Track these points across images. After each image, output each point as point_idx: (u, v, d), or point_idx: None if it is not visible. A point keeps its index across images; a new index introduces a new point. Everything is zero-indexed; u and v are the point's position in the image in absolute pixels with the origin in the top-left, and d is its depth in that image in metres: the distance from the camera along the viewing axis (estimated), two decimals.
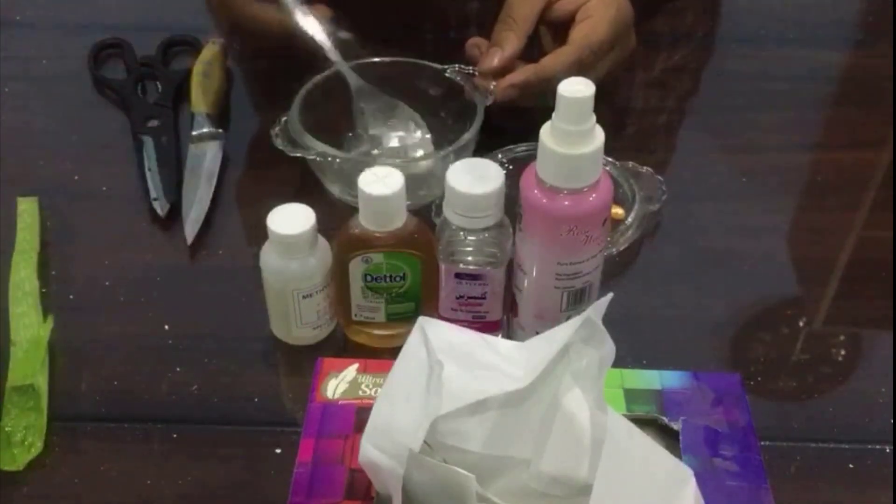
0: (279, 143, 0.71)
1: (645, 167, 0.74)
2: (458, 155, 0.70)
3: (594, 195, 0.56)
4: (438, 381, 0.47)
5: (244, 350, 0.65)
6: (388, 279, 0.61)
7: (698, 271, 0.71)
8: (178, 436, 0.60)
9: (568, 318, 0.49)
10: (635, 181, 0.73)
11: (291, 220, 0.59)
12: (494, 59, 0.74)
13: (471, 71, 0.75)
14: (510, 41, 0.74)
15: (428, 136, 0.77)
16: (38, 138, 0.81)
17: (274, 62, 0.84)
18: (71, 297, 0.68)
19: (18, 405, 0.59)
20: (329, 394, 0.57)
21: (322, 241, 0.61)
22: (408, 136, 0.77)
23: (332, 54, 0.74)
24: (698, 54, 0.92)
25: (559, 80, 0.54)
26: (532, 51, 0.76)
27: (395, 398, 0.49)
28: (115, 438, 0.60)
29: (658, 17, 0.94)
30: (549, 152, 0.54)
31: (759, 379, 0.63)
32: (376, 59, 0.78)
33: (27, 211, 0.72)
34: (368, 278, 0.61)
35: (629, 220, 0.71)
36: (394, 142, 0.77)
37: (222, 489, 0.57)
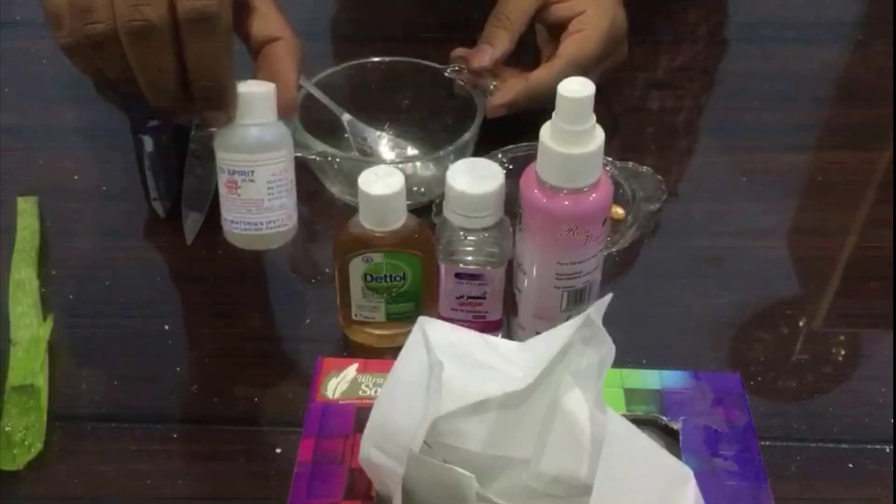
0: None
1: (645, 167, 0.74)
2: (458, 155, 0.71)
3: (594, 195, 0.56)
4: (438, 381, 0.47)
5: (244, 350, 0.65)
6: (388, 279, 0.61)
7: (698, 271, 0.71)
8: (178, 436, 0.60)
9: (568, 318, 0.49)
10: (635, 181, 0.73)
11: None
12: (485, 58, 0.74)
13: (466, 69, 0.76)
14: (501, 39, 0.74)
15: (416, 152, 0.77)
16: (38, 138, 0.81)
17: None
18: (71, 297, 0.68)
19: (18, 405, 0.59)
20: (329, 394, 0.57)
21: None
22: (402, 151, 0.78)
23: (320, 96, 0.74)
24: (700, 55, 0.92)
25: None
26: (524, 49, 0.77)
27: (395, 398, 0.49)
28: (115, 438, 0.60)
29: (660, 17, 0.94)
30: (549, 152, 0.54)
31: (759, 379, 0.63)
32: (376, 59, 0.78)
33: (27, 211, 0.72)
34: (368, 278, 0.61)
35: (629, 220, 0.71)
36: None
37: (222, 489, 0.57)
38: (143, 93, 0.53)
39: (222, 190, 0.57)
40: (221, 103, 0.55)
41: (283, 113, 0.57)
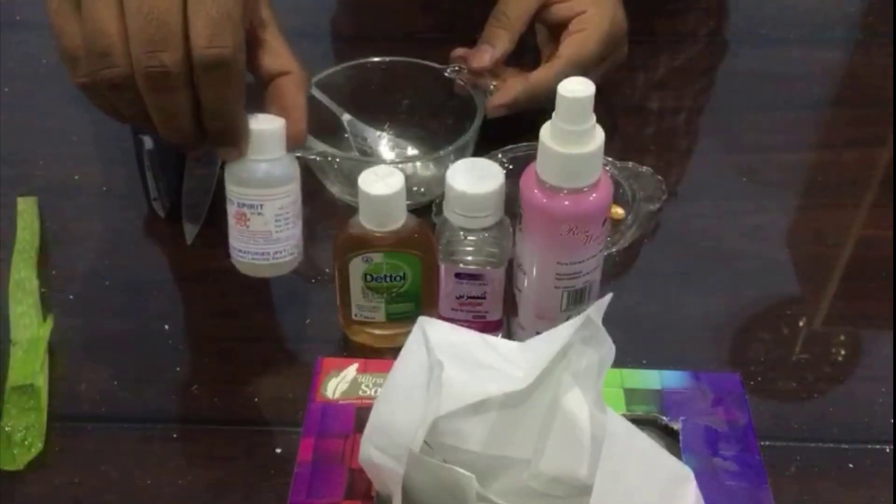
0: None
1: (645, 167, 0.74)
2: (458, 155, 0.71)
3: (594, 195, 0.56)
4: (438, 381, 0.47)
5: (244, 350, 0.65)
6: (388, 279, 0.61)
7: (698, 271, 0.71)
8: (177, 436, 0.60)
9: (568, 318, 0.49)
10: (635, 181, 0.73)
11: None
12: (486, 57, 0.74)
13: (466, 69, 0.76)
14: (501, 39, 0.74)
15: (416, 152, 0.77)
16: (38, 138, 0.81)
17: None
18: (71, 297, 0.68)
19: (18, 405, 0.59)
20: (329, 394, 0.57)
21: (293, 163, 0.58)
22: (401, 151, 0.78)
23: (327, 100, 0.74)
24: (700, 55, 0.92)
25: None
26: (524, 49, 0.77)
27: (395, 398, 0.49)
28: (115, 438, 0.60)
29: (660, 17, 0.94)
30: (549, 152, 0.54)
31: (759, 379, 0.63)
32: (376, 59, 0.78)
33: (27, 211, 0.72)
34: (368, 278, 0.61)
35: (629, 220, 0.71)
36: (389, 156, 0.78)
37: (222, 489, 0.57)
38: (156, 130, 0.54)
39: (231, 220, 0.58)
40: (233, 141, 0.56)
41: (292, 145, 0.58)
